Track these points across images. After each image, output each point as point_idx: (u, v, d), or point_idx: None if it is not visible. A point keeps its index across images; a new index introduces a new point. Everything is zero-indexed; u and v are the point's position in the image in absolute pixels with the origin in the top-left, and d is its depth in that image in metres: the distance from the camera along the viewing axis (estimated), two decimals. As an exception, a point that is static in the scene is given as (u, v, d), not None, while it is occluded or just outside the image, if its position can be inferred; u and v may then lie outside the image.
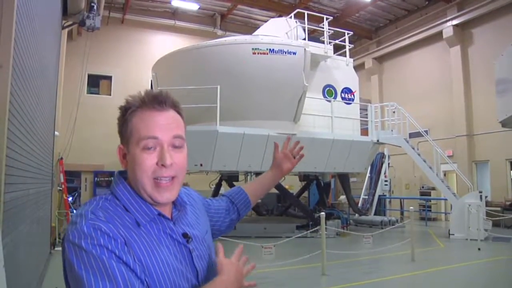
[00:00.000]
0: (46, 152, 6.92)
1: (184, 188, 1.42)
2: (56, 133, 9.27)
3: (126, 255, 1.02)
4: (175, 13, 19.49)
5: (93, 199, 1.15)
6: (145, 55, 18.24)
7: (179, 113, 1.21)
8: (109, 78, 18.46)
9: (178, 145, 1.16)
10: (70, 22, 8.99)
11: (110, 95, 18.21)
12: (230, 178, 13.77)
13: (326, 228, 8.15)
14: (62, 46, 10.54)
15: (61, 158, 12.08)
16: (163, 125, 1.14)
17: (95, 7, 8.79)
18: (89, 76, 17.24)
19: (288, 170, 1.73)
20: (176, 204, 1.25)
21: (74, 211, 11.17)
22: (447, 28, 17.16)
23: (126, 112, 1.16)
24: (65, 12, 8.48)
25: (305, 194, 17.21)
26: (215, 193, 14.05)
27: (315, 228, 10.05)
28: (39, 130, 5.51)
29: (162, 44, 18.56)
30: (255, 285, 1.25)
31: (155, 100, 1.15)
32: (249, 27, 19.48)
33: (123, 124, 1.16)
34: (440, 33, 17.54)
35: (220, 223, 1.56)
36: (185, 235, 1.19)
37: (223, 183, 14.35)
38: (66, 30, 11.06)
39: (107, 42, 18.01)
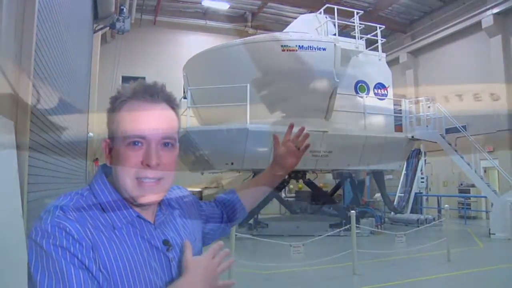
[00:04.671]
0: (78, 153, 7.11)
1: (178, 188, 1.29)
2: (90, 134, 9.53)
3: (90, 261, 0.92)
4: (206, 13, 19.72)
5: (68, 194, 1.04)
6: (177, 55, 18.45)
7: (173, 108, 1.10)
8: (142, 79, 18.75)
9: (168, 144, 1.05)
10: (101, 26, 9.20)
11: (144, 95, 18.53)
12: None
13: (359, 226, 7.98)
14: (95, 49, 10.83)
15: (97, 159, 12.41)
16: (153, 120, 1.03)
17: (124, 10, 8.97)
18: (123, 77, 17.61)
19: (293, 165, 1.48)
20: (162, 207, 1.13)
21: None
22: (487, 17, 16.42)
23: (116, 102, 1.06)
24: (96, 16, 8.69)
25: (340, 192, 16.96)
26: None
27: (347, 226, 9.86)
28: (69, 131, 5.65)
29: (194, 44, 18.69)
30: (233, 284, 1.12)
31: (146, 91, 1.05)
32: (281, 25, 19.36)
33: (111, 115, 1.06)
34: (478, 23, 16.81)
35: (213, 232, 1.43)
36: (165, 242, 1.07)
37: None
38: (100, 33, 11.36)
39: (140, 44, 18.43)
